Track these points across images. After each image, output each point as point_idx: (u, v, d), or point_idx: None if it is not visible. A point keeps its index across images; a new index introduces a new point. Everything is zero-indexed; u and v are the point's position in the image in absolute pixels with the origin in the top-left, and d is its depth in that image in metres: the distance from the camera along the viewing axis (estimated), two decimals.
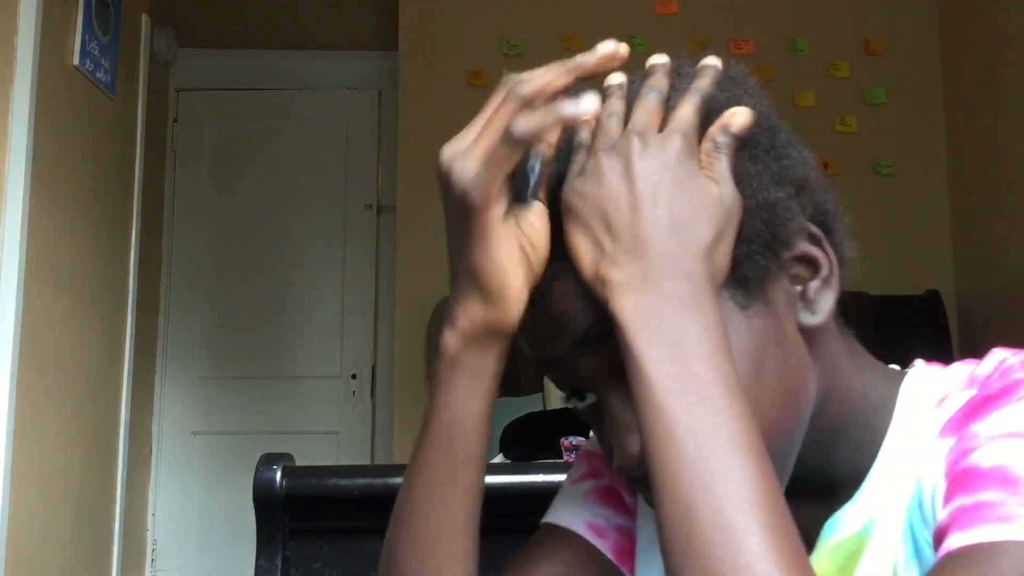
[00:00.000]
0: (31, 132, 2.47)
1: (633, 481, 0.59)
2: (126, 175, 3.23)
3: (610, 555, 0.72)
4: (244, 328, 3.85)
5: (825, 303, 0.59)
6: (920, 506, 0.56)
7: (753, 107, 0.59)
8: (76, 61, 2.75)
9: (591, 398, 0.60)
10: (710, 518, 0.47)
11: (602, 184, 0.55)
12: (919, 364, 0.64)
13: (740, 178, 0.57)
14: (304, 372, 3.86)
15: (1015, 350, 0.58)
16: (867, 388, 0.62)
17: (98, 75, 2.90)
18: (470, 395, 0.60)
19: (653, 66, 0.61)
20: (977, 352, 0.60)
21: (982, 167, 3.31)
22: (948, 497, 0.52)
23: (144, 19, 3.37)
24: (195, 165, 3.94)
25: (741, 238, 0.56)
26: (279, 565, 1.17)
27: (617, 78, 0.60)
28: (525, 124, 0.54)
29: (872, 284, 3.08)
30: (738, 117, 0.57)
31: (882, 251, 3.34)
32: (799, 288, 0.59)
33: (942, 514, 0.51)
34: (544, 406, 3.08)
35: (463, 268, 0.58)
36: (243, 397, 3.83)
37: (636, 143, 0.55)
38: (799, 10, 3.65)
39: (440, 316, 2.69)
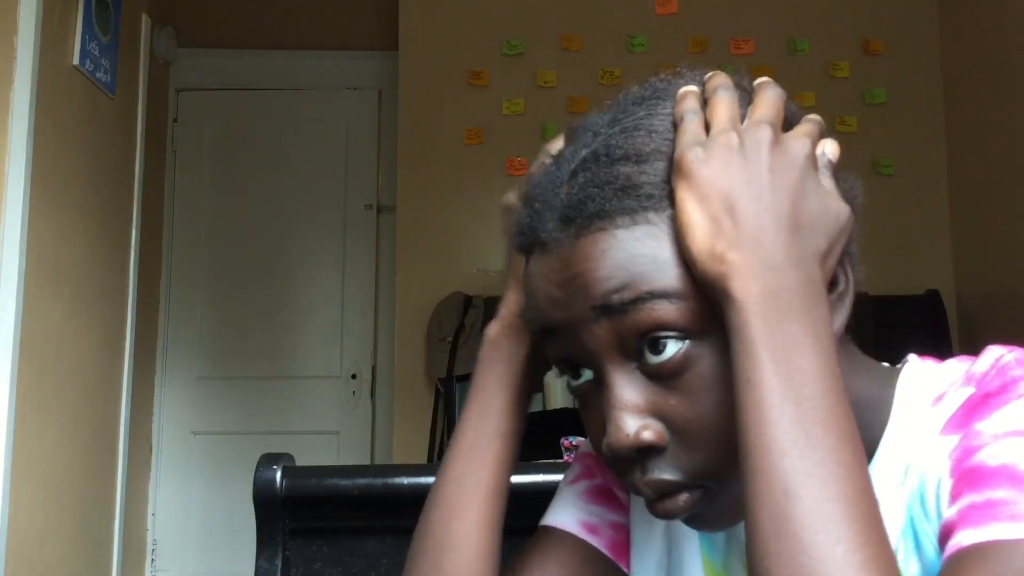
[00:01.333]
0: (31, 132, 2.47)
1: (617, 464, 0.59)
2: (126, 175, 3.23)
3: (605, 551, 0.73)
4: (244, 328, 3.85)
5: (839, 317, 0.60)
6: (922, 501, 0.56)
7: (817, 123, 0.61)
8: (76, 61, 2.75)
9: (587, 375, 0.59)
10: (813, 505, 0.47)
11: (732, 163, 0.55)
12: (913, 359, 0.64)
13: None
14: (304, 372, 3.86)
15: (1010, 347, 0.58)
16: (862, 387, 0.62)
17: (98, 75, 2.90)
18: (503, 375, 0.69)
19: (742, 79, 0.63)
20: (977, 352, 0.60)
21: (982, 167, 3.31)
22: (956, 494, 0.52)
23: (144, 19, 3.36)
24: (195, 165, 3.94)
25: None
26: (279, 565, 1.17)
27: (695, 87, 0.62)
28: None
29: (872, 284, 3.07)
30: (831, 146, 0.59)
31: (882, 251, 3.34)
32: None
33: (950, 511, 0.52)
34: (544, 406, 3.08)
35: (514, 267, 0.66)
36: (243, 397, 3.83)
37: (770, 133, 0.56)
38: (799, 10, 3.65)
39: (440, 316, 2.72)
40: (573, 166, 0.59)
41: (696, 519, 0.59)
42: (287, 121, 3.97)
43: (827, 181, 0.57)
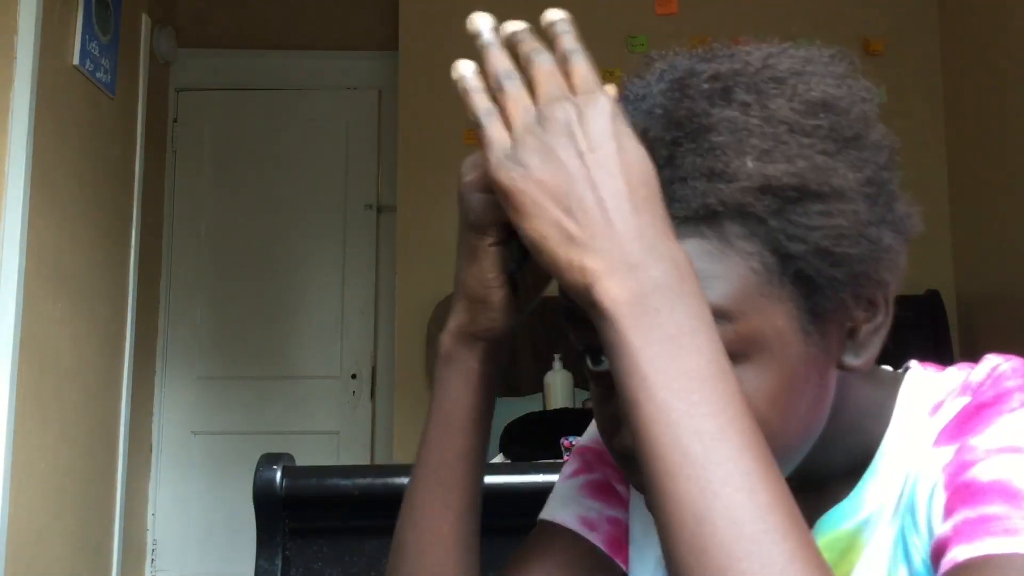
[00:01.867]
0: (31, 132, 2.47)
1: (626, 463, 0.58)
2: (126, 175, 3.23)
3: (603, 547, 0.73)
4: (244, 328, 3.85)
5: (871, 349, 0.59)
6: (912, 512, 0.56)
7: (883, 142, 0.59)
8: (76, 61, 2.75)
9: (607, 364, 0.58)
10: (727, 529, 0.44)
11: (549, 161, 0.50)
12: (915, 366, 0.64)
13: (855, 213, 0.54)
14: (304, 372, 3.86)
15: (1008, 356, 0.58)
16: (867, 397, 0.62)
17: (98, 75, 2.90)
18: (462, 391, 0.65)
19: (517, 32, 0.58)
20: (977, 352, 0.60)
21: (982, 167, 3.31)
22: (949, 510, 0.52)
23: (144, 19, 3.36)
24: (195, 165, 3.94)
25: (833, 263, 0.53)
26: (279, 565, 1.17)
27: (486, 33, 0.58)
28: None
29: None
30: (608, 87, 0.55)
31: None
32: (850, 326, 0.58)
33: (944, 527, 0.52)
34: (544, 406, 3.08)
35: (457, 277, 0.62)
36: (243, 397, 3.83)
37: (571, 110, 0.50)
38: (799, 10, 3.64)
39: (440, 316, 2.71)
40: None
41: None
42: (287, 121, 3.97)
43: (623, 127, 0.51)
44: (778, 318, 0.54)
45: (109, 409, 3.09)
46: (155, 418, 3.78)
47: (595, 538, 0.73)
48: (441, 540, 0.66)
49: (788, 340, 0.54)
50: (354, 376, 3.86)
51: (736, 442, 0.46)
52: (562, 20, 0.58)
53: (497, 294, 0.61)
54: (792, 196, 0.53)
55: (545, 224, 0.50)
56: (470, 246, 0.60)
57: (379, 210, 3.93)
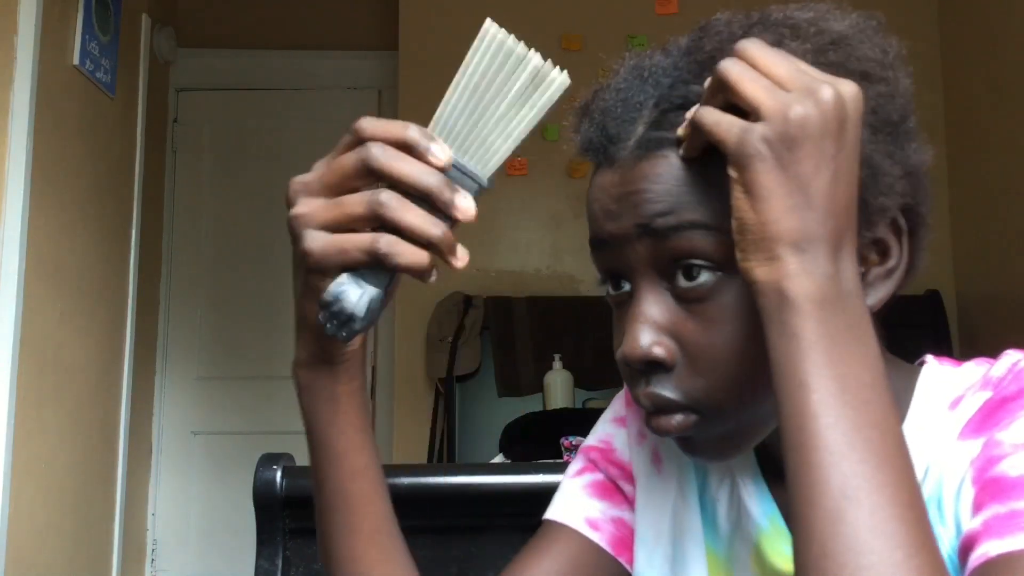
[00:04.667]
0: (31, 132, 2.47)
1: (627, 372, 0.60)
2: (126, 175, 3.23)
3: (607, 547, 0.73)
4: (244, 328, 3.85)
5: (881, 291, 0.60)
6: (939, 506, 0.57)
7: (895, 84, 0.60)
8: (76, 61, 2.75)
9: (626, 287, 0.61)
10: (870, 503, 0.46)
11: (821, 143, 0.51)
12: (931, 361, 0.65)
13: (861, 140, 0.55)
14: None
15: None
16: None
17: (98, 75, 2.90)
18: (331, 417, 0.64)
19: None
20: (977, 352, 0.60)
21: (982, 167, 3.31)
22: (978, 505, 0.52)
23: (144, 19, 3.36)
24: (195, 165, 3.94)
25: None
26: (279, 565, 1.17)
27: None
28: (396, 256, 0.54)
29: None
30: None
31: None
32: (861, 269, 0.59)
33: (973, 522, 0.52)
34: (544, 406, 3.08)
35: (298, 311, 0.62)
36: (243, 397, 3.83)
37: (827, 97, 0.51)
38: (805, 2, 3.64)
39: (440, 316, 2.70)
40: (658, 93, 0.60)
41: (687, 443, 0.61)
42: (287, 121, 3.97)
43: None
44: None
45: (109, 409, 3.09)
46: (155, 418, 3.78)
47: (599, 538, 0.73)
48: (356, 563, 0.66)
49: None
50: None
51: (892, 440, 0.49)
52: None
53: None
54: None
55: (768, 210, 0.51)
56: (310, 286, 0.59)
57: None
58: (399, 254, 0.54)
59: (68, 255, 2.75)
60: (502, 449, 2.46)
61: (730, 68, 0.52)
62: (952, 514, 0.55)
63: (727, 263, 0.55)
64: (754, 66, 0.52)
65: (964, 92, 3.44)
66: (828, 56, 0.58)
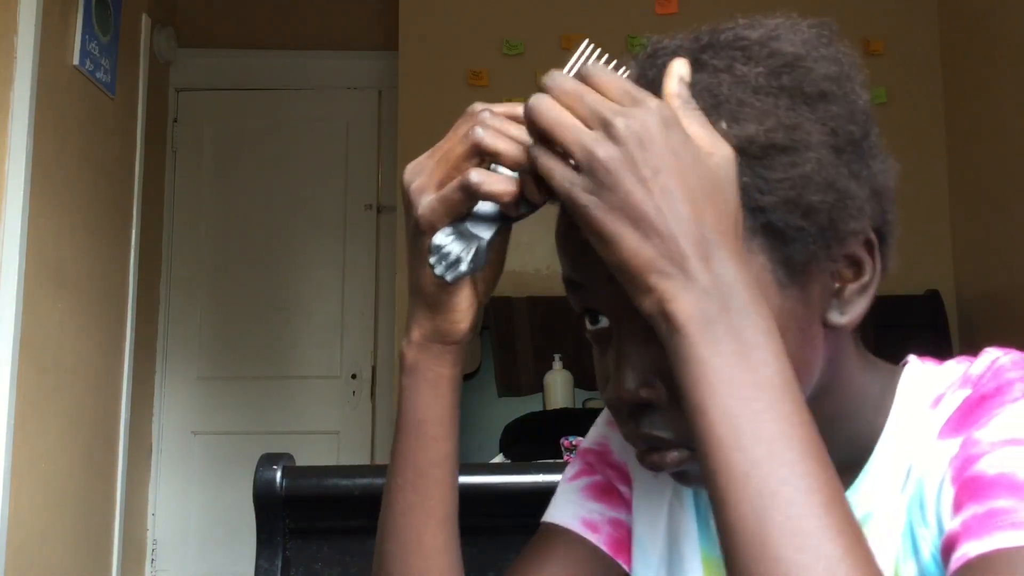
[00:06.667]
0: (31, 132, 2.47)
1: (616, 414, 0.60)
2: (126, 175, 3.23)
3: (605, 549, 0.73)
4: (244, 328, 3.85)
5: (857, 308, 0.60)
6: (922, 506, 0.57)
7: (854, 100, 0.59)
8: (76, 61, 2.75)
9: (604, 322, 0.61)
10: (785, 524, 0.46)
11: (616, 190, 0.51)
12: (913, 360, 0.65)
13: (819, 162, 0.56)
14: (304, 372, 3.86)
15: (1007, 349, 0.59)
16: (865, 384, 0.63)
17: (98, 75, 2.90)
18: (430, 400, 0.64)
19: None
20: (977, 353, 0.60)
21: (982, 167, 3.31)
22: (958, 505, 0.52)
23: (144, 19, 3.37)
24: (195, 165, 3.94)
25: (802, 214, 0.55)
26: (279, 565, 1.17)
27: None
28: (484, 184, 0.56)
29: None
30: (680, 65, 0.56)
31: None
32: (836, 286, 0.59)
33: (953, 522, 0.52)
34: (544, 406, 3.08)
35: (413, 284, 0.62)
36: (243, 397, 3.83)
37: (630, 128, 0.51)
38: (800, 10, 3.62)
39: None
40: None
41: (682, 476, 0.61)
42: (287, 121, 3.97)
43: (695, 123, 0.53)
44: (752, 271, 0.55)
45: (109, 409, 3.09)
46: (155, 418, 3.78)
47: (597, 540, 0.73)
48: (423, 548, 0.66)
49: (764, 293, 0.55)
50: (354, 376, 3.86)
51: (796, 447, 0.48)
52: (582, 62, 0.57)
53: (459, 296, 0.62)
54: (760, 153, 0.55)
55: (621, 250, 0.51)
56: (421, 249, 0.60)
57: (379, 210, 3.93)
58: (486, 182, 0.56)
59: (68, 255, 2.75)
60: (502, 449, 2.47)
61: (543, 112, 0.52)
62: (934, 514, 0.55)
63: None
64: (562, 102, 0.52)
65: (964, 92, 3.44)
66: (782, 80, 0.57)
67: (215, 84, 3.98)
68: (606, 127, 0.51)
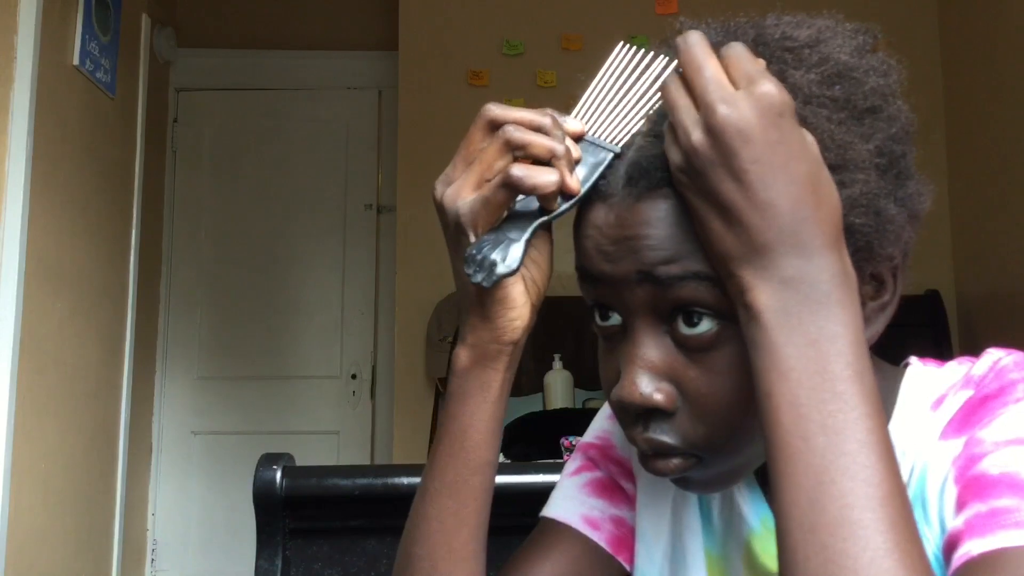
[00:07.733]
0: (31, 132, 2.47)
1: (623, 415, 0.60)
2: (126, 175, 3.23)
3: (605, 546, 0.73)
4: (244, 328, 3.85)
5: (877, 325, 0.60)
6: (923, 505, 0.57)
7: (898, 117, 0.58)
8: (76, 61, 2.75)
9: (616, 319, 0.60)
10: (837, 512, 0.47)
11: (714, 178, 0.52)
12: (915, 362, 0.65)
13: (866, 184, 0.55)
14: (304, 372, 3.86)
15: (1009, 350, 0.59)
16: None
17: (98, 75, 2.90)
18: (478, 405, 0.63)
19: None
20: (977, 353, 0.60)
21: (982, 167, 3.31)
22: (961, 504, 0.53)
23: (144, 19, 3.36)
24: (195, 165, 3.94)
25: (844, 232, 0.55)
26: (279, 565, 1.17)
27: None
28: (527, 177, 0.56)
29: None
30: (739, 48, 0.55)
31: None
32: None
33: (956, 521, 0.52)
34: (544, 406, 3.08)
35: (460, 290, 0.62)
36: (243, 397, 3.83)
37: (732, 117, 0.51)
38: (800, 10, 3.64)
39: (440, 316, 2.69)
40: (650, 125, 0.58)
41: (684, 482, 0.61)
42: (287, 121, 3.97)
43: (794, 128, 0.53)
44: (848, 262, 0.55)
45: (109, 409, 3.09)
46: (155, 418, 3.78)
47: (598, 536, 0.73)
48: (453, 554, 0.65)
49: None
50: (354, 376, 3.86)
51: (859, 438, 0.49)
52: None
53: (514, 295, 0.61)
54: None
55: (707, 233, 0.53)
56: (462, 253, 0.60)
57: (379, 210, 3.93)
58: (529, 175, 0.56)
59: (68, 255, 2.75)
60: (502, 449, 2.46)
61: (666, 88, 0.55)
62: (936, 513, 0.55)
63: (731, 312, 0.55)
64: (684, 70, 0.54)
65: (964, 92, 3.44)
66: (834, 90, 0.56)
67: (215, 84, 3.98)
68: (708, 114, 0.51)
